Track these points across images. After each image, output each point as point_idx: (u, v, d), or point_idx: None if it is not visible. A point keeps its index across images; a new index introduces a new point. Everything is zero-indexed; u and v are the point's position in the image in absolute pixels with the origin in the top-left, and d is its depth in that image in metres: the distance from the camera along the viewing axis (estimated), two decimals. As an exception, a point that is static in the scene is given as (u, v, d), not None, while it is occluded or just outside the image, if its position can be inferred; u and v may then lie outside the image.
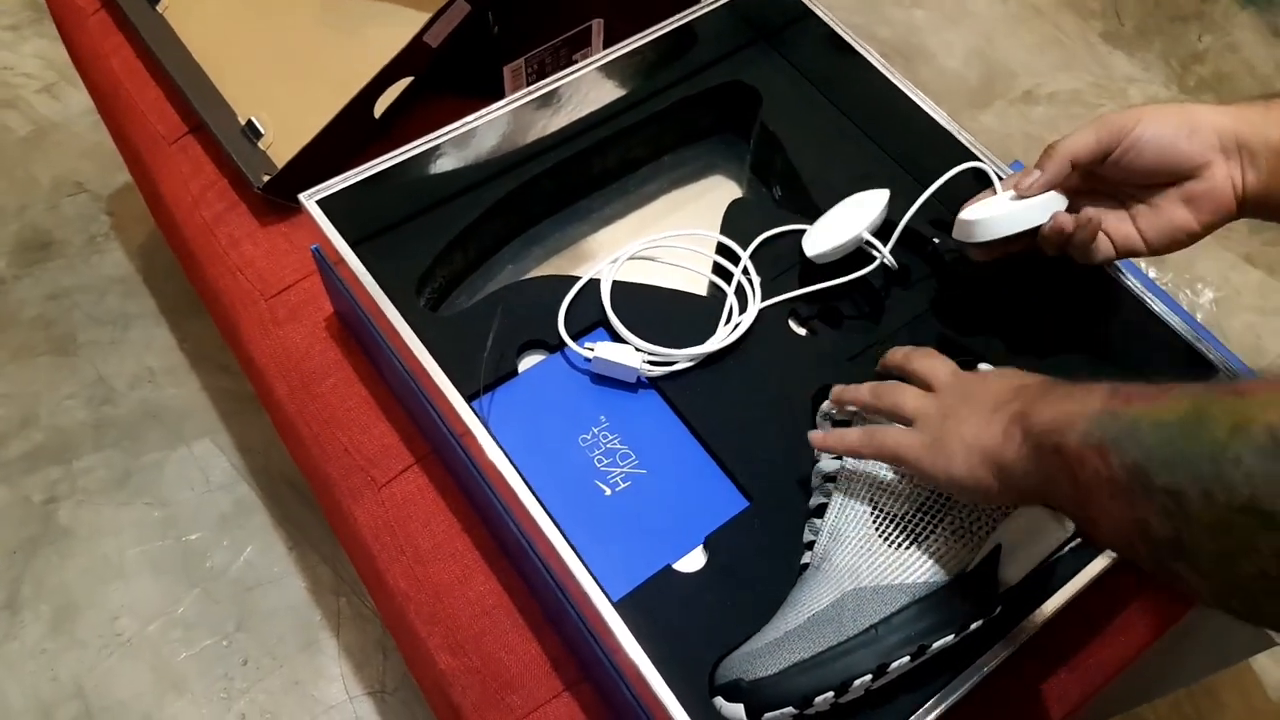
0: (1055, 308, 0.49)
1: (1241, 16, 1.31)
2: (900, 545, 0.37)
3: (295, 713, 0.77)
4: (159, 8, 0.62)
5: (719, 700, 0.37)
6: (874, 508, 0.38)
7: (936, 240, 0.50)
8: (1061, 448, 0.29)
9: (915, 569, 0.36)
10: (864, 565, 0.37)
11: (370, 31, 0.55)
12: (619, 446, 0.45)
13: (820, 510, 0.41)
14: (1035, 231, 0.43)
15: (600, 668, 0.39)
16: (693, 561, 0.42)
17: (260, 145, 0.56)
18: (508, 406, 0.45)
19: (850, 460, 0.40)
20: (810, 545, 0.40)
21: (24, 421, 0.90)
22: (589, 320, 0.48)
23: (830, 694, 0.35)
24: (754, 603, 0.39)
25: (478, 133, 0.49)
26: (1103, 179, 0.43)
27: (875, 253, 0.48)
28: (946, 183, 0.47)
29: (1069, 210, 0.43)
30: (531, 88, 0.50)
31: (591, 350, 0.46)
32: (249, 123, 0.57)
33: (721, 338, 0.47)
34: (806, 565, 0.40)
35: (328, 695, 0.78)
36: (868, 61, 0.53)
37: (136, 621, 0.80)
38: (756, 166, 0.58)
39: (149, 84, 0.63)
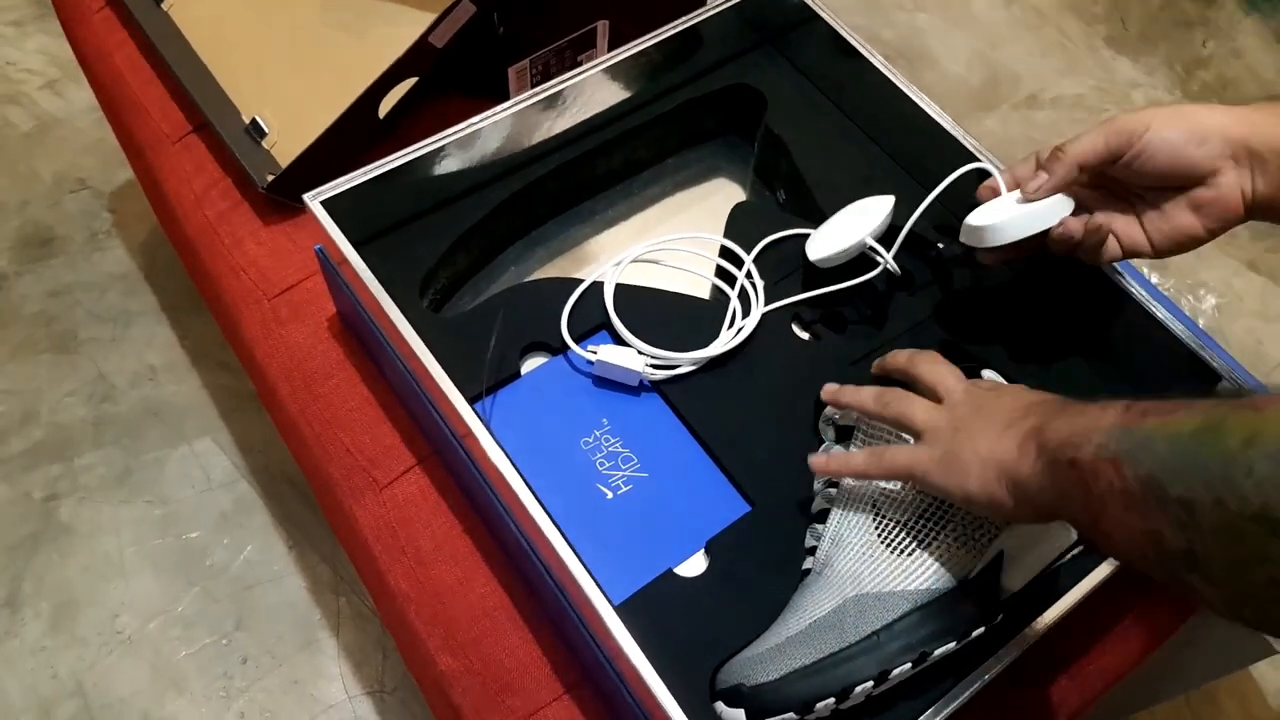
0: (1058, 314, 0.49)
1: (1246, 22, 1.31)
2: (903, 552, 0.37)
3: (294, 712, 0.77)
4: (164, 5, 0.62)
5: (720, 705, 0.37)
6: (876, 514, 0.38)
7: (941, 245, 0.50)
8: (1076, 462, 0.29)
9: (917, 576, 0.36)
10: (866, 571, 0.37)
11: (375, 32, 0.55)
12: (621, 450, 0.45)
13: (822, 515, 0.41)
14: (1044, 233, 0.43)
15: (601, 671, 0.39)
16: (694, 566, 0.42)
17: (264, 144, 0.56)
18: (510, 408, 0.45)
19: None
20: (812, 550, 0.40)
21: (24, 418, 0.90)
22: (592, 323, 0.48)
23: (831, 700, 0.35)
24: (755, 607, 0.39)
25: (482, 134, 0.49)
26: (1111, 179, 0.43)
27: (879, 258, 0.48)
28: (950, 186, 0.47)
29: (1076, 208, 0.43)
30: (536, 89, 0.50)
31: (594, 353, 0.46)
32: (253, 122, 0.57)
33: (724, 341, 0.47)
34: (808, 570, 0.40)
35: (327, 694, 0.78)
36: (873, 65, 0.53)
37: (136, 619, 0.80)
38: (760, 169, 0.58)
39: (153, 82, 0.63)
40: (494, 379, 0.46)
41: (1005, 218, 0.43)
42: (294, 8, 0.59)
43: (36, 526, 0.84)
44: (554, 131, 0.53)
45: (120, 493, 0.86)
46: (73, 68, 0.93)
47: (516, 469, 0.39)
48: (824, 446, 0.43)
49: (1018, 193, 0.43)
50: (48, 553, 0.83)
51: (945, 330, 0.49)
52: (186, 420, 0.90)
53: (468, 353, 0.45)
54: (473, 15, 0.52)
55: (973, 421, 0.35)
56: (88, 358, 0.93)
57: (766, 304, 0.48)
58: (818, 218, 0.51)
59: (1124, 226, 0.43)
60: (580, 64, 0.53)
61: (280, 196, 0.55)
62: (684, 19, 0.54)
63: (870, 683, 0.35)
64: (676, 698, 0.34)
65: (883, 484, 0.39)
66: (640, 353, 0.46)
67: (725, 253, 0.51)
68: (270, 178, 0.54)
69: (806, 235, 0.51)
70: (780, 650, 0.36)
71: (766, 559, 0.41)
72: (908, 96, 0.52)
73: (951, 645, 0.36)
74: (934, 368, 0.40)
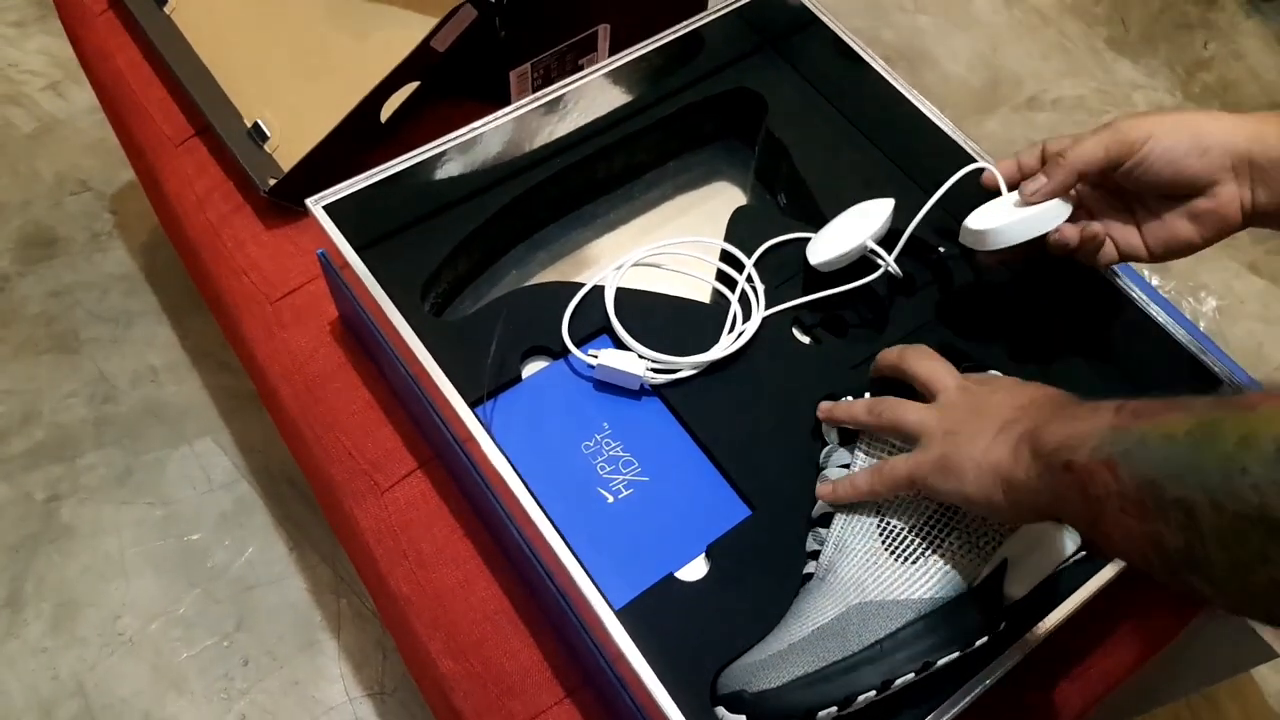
0: (1058, 317, 0.49)
1: (1247, 24, 1.31)
2: (907, 559, 0.37)
3: (295, 713, 0.77)
4: (166, 9, 0.62)
5: (721, 710, 0.37)
6: (881, 520, 0.38)
7: (941, 249, 0.50)
8: (1071, 465, 0.29)
9: (921, 584, 0.36)
10: (870, 579, 0.37)
11: (377, 36, 0.55)
12: (622, 454, 0.45)
13: (825, 519, 0.41)
14: (1042, 236, 0.43)
15: (602, 675, 0.39)
16: (695, 570, 0.42)
17: (266, 148, 0.56)
18: (511, 412, 0.46)
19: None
20: (814, 554, 0.40)
21: (26, 418, 0.90)
22: (593, 327, 0.48)
23: (833, 709, 0.35)
24: (756, 612, 0.40)
25: (483, 139, 0.49)
26: (1110, 182, 0.43)
27: (880, 261, 0.48)
28: (951, 188, 0.47)
29: (1075, 208, 0.43)
30: (537, 94, 0.50)
31: (595, 357, 0.46)
32: (255, 125, 0.57)
33: (725, 345, 0.47)
34: (810, 575, 0.40)
35: (328, 696, 0.78)
36: (873, 69, 0.53)
37: (137, 620, 0.80)
38: (761, 173, 0.58)
39: (155, 85, 0.63)
40: (495, 383, 0.46)
41: (1003, 222, 0.43)
42: (296, 11, 0.59)
43: (38, 527, 0.84)
44: (555, 136, 0.53)
45: (121, 493, 0.86)
46: (74, 68, 0.93)
47: (517, 473, 0.39)
48: (826, 450, 0.43)
49: (1016, 194, 0.43)
50: (49, 553, 0.83)
51: (946, 333, 0.49)
52: (187, 420, 0.90)
53: (469, 357, 0.45)
54: (474, 19, 0.52)
55: (967, 423, 0.35)
56: (89, 358, 0.93)
57: (767, 308, 0.48)
58: (818, 221, 0.51)
59: (1121, 231, 0.43)
60: (581, 68, 0.53)
61: (282, 200, 0.55)
62: (685, 23, 0.54)
63: (873, 692, 0.35)
64: (677, 702, 0.34)
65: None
66: (641, 357, 0.46)
67: (726, 256, 0.51)
68: (272, 181, 0.54)
69: (807, 239, 0.51)
70: (782, 657, 0.36)
71: (767, 563, 0.41)
72: (908, 100, 0.52)
73: (955, 655, 0.36)
74: (926, 364, 0.40)
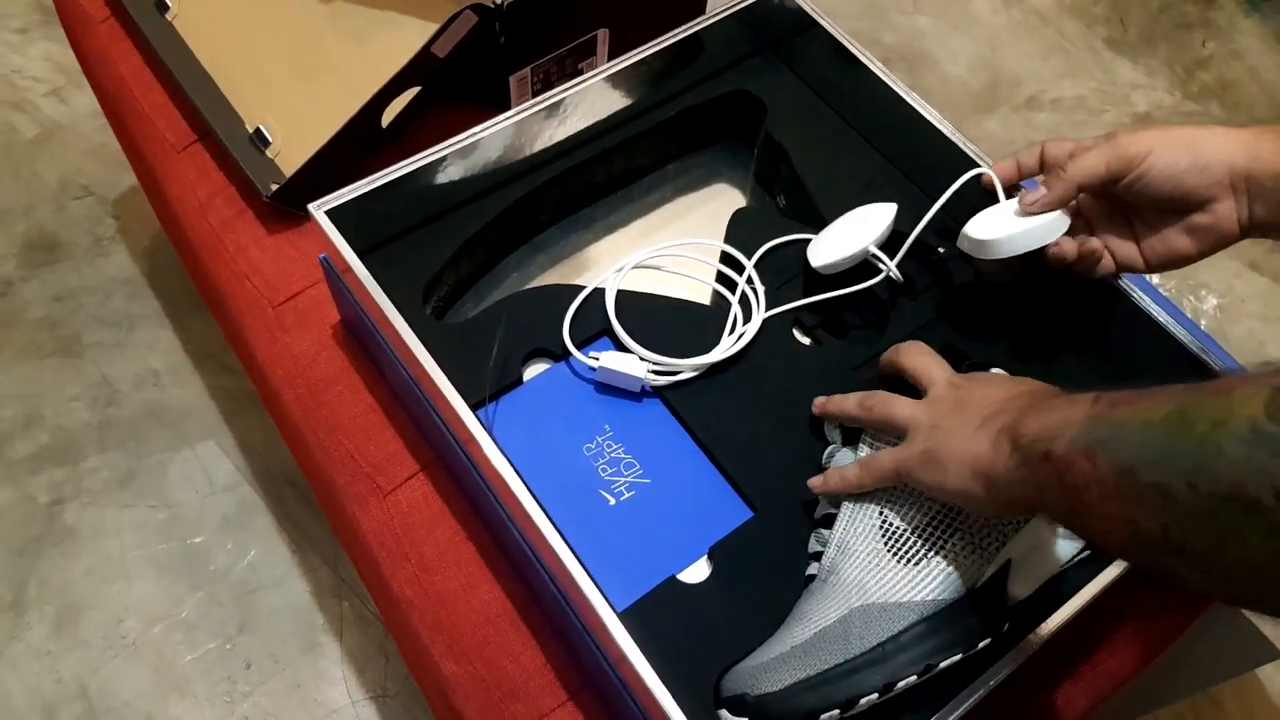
0: (1059, 317, 0.49)
1: (1246, 23, 1.31)
2: (909, 561, 0.37)
3: (297, 716, 0.77)
4: (168, 15, 0.62)
5: (724, 714, 0.37)
6: (883, 521, 0.38)
7: (942, 250, 0.50)
8: (1050, 455, 0.29)
9: (924, 586, 0.36)
10: (872, 581, 0.37)
11: (378, 41, 0.55)
12: (623, 456, 0.45)
13: (827, 520, 0.41)
14: (1041, 248, 0.43)
15: (604, 678, 0.39)
16: (697, 572, 0.42)
17: (268, 153, 0.56)
18: (512, 415, 0.46)
19: None
20: (817, 556, 0.40)
21: (29, 422, 0.90)
22: (593, 329, 0.48)
23: (835, 711, 0.35)
24: (758, 614, 0.40)
25: (483, 143, 0.50)
26: (1109, 195, 0.43)
27: (881, 266, 0.48)
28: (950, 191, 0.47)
29: (1073, 219, 0.43)
30: (537, 98, 0.51)
31: (596, 359, 0.46)
32: (257, 131, 0.57)
33: (726, 348, 0.47)
34: (812, 576, 0.40)
35: (330, 699, 0.78)
36: (872, 71, 0.53)
37: (140, 623, 0.80)
38: (761, 175, 0.58)
39: (157, 91, 0.63)
40: (496, 386, 0.46)
41: (1003, 234, 0.43)
42: (297, 17, 0.59)
43: (41, 530, 0.84)
44: (555, 139, 0.53)
45: (123, 496, 0.86)
46: (77, 74, 0.94)
47: (519, 475, 0.39)
48: (828, 450, 0.43)
49: (1015, 203, 0.44)
50: (52, 556, 0.83)
51: (947, 333, 0.49)
52: (189, 423, 0.90)
53: (470, 359, 0.45)
54: (475, 24, 0.52)
55: (951, 418, 0.36)
56: (91, 362, 0.94)
57: (767, 309, 0.49)
58: (818, 223, 0.51)
59: (1118, 243, 0.43)
60: (581, 72, 0.54)
61: (284, 205, 0.55)
62: (684, 27, 0.54)
63: (875, 694, 0.35)
64: (680, 704, 0.34)
65: (888, 490, 0.39)
66: (642, 359, 0.46)
67: (726, 258, 0.51)
68: (274, 186, 0.54)
69: (807, 241, 0.51)
70: (785, 660, 0.36)
71: (769, 565, 0.41)
72: (907, 102, 0.52)
73: (958, 657, 0.36)
74: (918, 359, 0.41)
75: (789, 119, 0.56)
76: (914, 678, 0.35)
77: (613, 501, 0.44)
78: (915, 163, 0.54)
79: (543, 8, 0.55)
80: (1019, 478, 0.31)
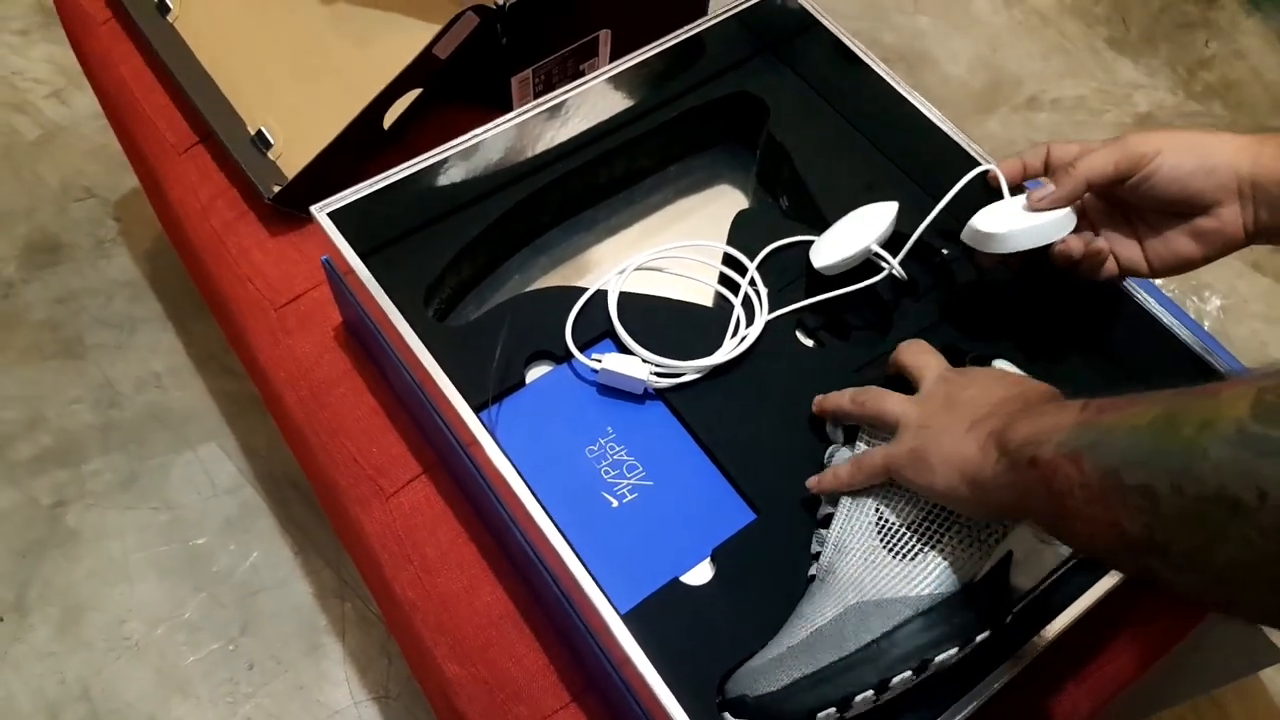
0: (1063, 318, 0.49)
1: (1248, 23, 1.30)
2: (905, 556, 0.37)
3: (300, 717, 0.77)
4: (169, 17, 0.62)
5: (727, 716, 0.37)
6: (879, 518, 0.38)
7: (945, 251, 0.50)
8: (1036, 460, 0.30)
9: (920, 581, 0.36)
10: (867, 578, 0.37)
11: (380, 43, 0.55)
12: (626, 458, 0.45)
13: (828, 521, 0.41)
14: (1045, 246, 0.43)
15: (607, 680, 0.39)
16: (700, 574, 0.42)
17: (269, 155, 0.56)
18: (515, 417, 0.46)
19: None
20: (817, 556, 0.40)
21: (31, 424, 0.90)
22: (596, 331, 0.48)
23: (833, 710, 0.35)
24: (762, 616, 0.40)
25: (485, 145, 0.50)
26: (1115, 197, 0.43)
27: (884, 264, 0.48)
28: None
29: (1079, 219, 0.43)
30: (539, 100, 0.51)
31: (599, 361, 0.46)
32: (258, 133, 0.57)
33: (728, 349, 0.47)
34: (814, 577, 0.40)
35: (333, 700, 0.78)
36: (874, 71, 0.53)
37: (143, 625, 0.80)
38: (763, 176, 0.58)
39: (158, 92, 0.63)
40: (499, 388, 0.46)
41: (1010, 228, 0.43)
42: (299, 19, 0.59)
43: (43, 532, 0.84)
44: (557, 141, 0.53)
45: (126, 498, 0.86)
46: (78, 75, 0.94)
47: (522, 477, 0.39)
48: (830, 449, 0.43)
49: (1023, 199, 0.44)
50: (55, 558, 0.83)
51: (950, 335, 0.49)
52: (191, 426, 0.90)
53: (473, 361, 0.45)
54: (476, 26, 0.52)
55: (940, 417, 0.36)
56: (94, 364, 0.94)
57: (770, 311, 0.49)
58: (821, 224, 0.51)
59: (1123, 246, 0.43)
60: (582, 73, 0.54)
61: (286, 207, 0.55)
62: (685, 28, 0.54)
63: (871, 692, 0.35)
64: (683, 706, 0.34)
65: (881, 486, 0.39)
66: (644, 361, 0.46)
67: (728, 260, 0.51)
68: (276, 189, 0.54)
69: (810, 242, 0.51)
70: (782, 660, 0.36)
71: (773, 567, 0.41)
72: (909, 102, 0.52)
73: (954, 652, 0.35)
74: (915, 356, 0.41)
75: (791, 120, 0.56)
76: (909, 674, 0.35)
77: (615, 503, 0.44)
78: (918, 163, 0.54)
79: (544, 9, 0.55)
80: (1006, 483, 0.31)
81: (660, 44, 0.53)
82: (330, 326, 0.53)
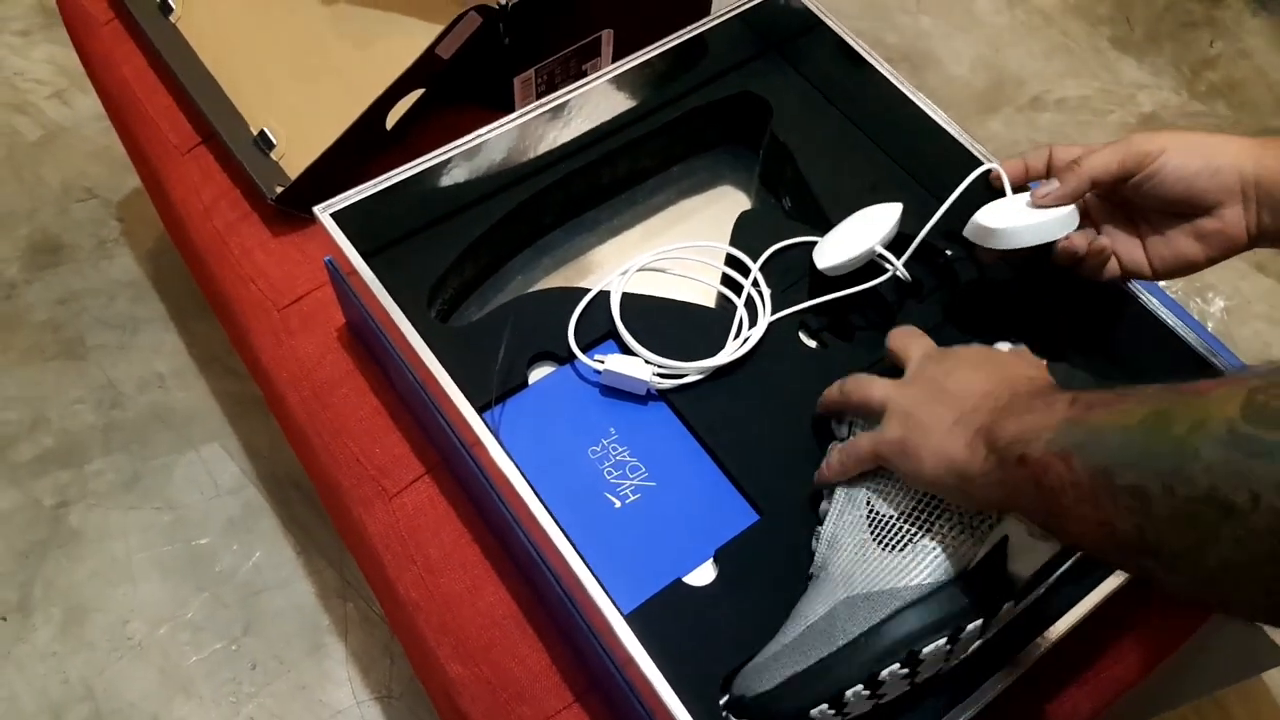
0: (1066, 319, 0.49)
1: (1253, 23, 1.30)
2: (895, 548, 0.36)
3: (302, 717, 0.77)
4: (171, 17, 0.63)
5: (730, 716, 0.37)
6: (870, 511, 0.37)
7: (949, 252, 0.50)
8: (1026, 458, 0.29)
9: (910, 572, 0.35)
10: (858, 572, 0.36)
11: (382, 43, 0.55)
12: (629, 459, 0.45)
13: (826, 517, 0.41)
14: (1048, 243, 0.43)
15: (610, 680, 0.39)
16: (703, 575, 0.42)
17: (272, 156, 0.56)
18: (518, 418, 0.46)
19: None
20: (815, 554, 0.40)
21: (34, 425, 0.90)
22: (599, 332, 0.48)
23: (825, 706, 0.34)
24: (764, 617, 0.40)
25: (488, 145, 0.50)
26: (1119, 196, 0.43)
27: (888, 265, 0.48)
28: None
29: (1082, 220, 0.43)
30: (541, 100, 0.51)
31: (601, 362, 0.46)
32: (261, 133, 0.57)
33: (731, 350, 0.47)
34: (812, 575, 0.40)
35: (335, 700, 0.78)
36: (878, 71, 0.53)
37: (146, 625, 0.80)
38: (766, 177, 0.58)
39: (161, 93, 0.63)
40: (502, 388, 0.46)
41: (1015, 224, 0.43)
42: (301, 19, 0.59)
43: (46, 532, 0.85)
44: (559, 141, 0.53)
45: (129, 498, 0.87)
46: (80, 76, 0.94)
47: (525, 477, 0.39)
48: (831, 445, 0.43)
49: (1026, 196, 0.44)
50: (57, 558, 0.83)
51: (954, 336, 0.49)
52: (194, 426, 0.90)
53: (476, 362, 0.45)
54: (479, 26, 0.52)
55: (926, 406, 0.36)
56: (96, 364, 0.94)
57: (773, 312, 0.49)
58: (824, 225, 0.51)
59: (1126, 247, 0.43)
60: (585, 73, 0.54)
61: (289, 208, 0.55)
62: (688, 28, 0.54)
63: (861, 687, 0.34)
64: (686, 706, 0.34)
65: (873, 479, 0.38)
66: (647, 362, 0.46)
67: (731, 261, 0.51)
68: (279, 189, 0.54)
69: (813, 243, 0.51)
70: (776, 658, 0.36)
71: (775, 568, 0.41)
72: (913, 102, 0.52)
73: (942, 643, 0.34)
74: (901, 340, 0.41)
75: (794, 120, 0.56)
76: (897, 666, 0.34)
77: (618, 504, 0.44)
78: (922, 164, 0.54)
79: (547, 9, 0.55)
80: (995, 480, 0.31)
81: (663, 44, 0.53)
82: (333, 327, 0.53)
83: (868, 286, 0.48)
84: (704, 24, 0.55)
